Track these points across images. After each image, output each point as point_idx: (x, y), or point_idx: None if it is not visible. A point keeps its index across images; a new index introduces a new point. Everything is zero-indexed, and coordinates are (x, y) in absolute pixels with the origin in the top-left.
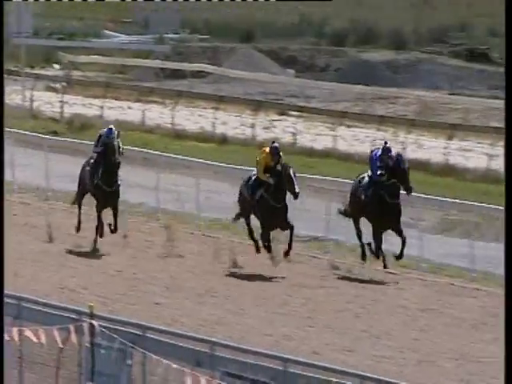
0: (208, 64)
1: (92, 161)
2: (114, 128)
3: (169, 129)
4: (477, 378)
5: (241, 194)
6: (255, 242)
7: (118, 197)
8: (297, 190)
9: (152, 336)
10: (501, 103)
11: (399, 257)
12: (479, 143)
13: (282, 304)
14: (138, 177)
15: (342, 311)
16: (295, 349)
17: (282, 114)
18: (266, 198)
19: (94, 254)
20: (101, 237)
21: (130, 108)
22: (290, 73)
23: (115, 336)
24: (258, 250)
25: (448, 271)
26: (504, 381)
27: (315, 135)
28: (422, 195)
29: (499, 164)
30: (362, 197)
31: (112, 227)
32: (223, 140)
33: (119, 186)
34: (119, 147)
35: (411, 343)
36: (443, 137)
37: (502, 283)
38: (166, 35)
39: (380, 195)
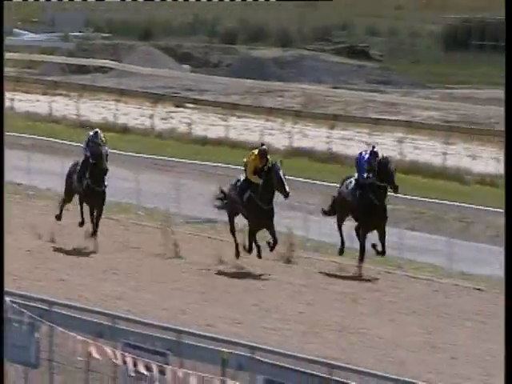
0: (110, 60)
1: (79, 166)
2: (100, 133)
3: (74, 119)
4: (357, 347)
5: (228, 195)
6: (236, 244)
7: (104, 199)
8: (287, 190)
9: (58, 310)
10: (378, 96)
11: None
12: (358, 132)
13: (178, 280)
14: (46, 164)
15: (234, 286)
16: (190, 321)
17: (179, 106)
18: (254, 199)
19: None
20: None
21: (38, 100)
22: (186, 68)
23: (24, 311)
24: (237, 250)
25: (331, 250)
26: (504, 381)
27: (209, 125)
28: (308, 180)
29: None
30: (349, 198)
31: (93, 228)
32: (124, 130)
33: (106, 187)
34: (107, 155)
35: (298, 316)
36: (326, 127)
37: (380, 259)
38: (71, 33)
39: (368, 198)
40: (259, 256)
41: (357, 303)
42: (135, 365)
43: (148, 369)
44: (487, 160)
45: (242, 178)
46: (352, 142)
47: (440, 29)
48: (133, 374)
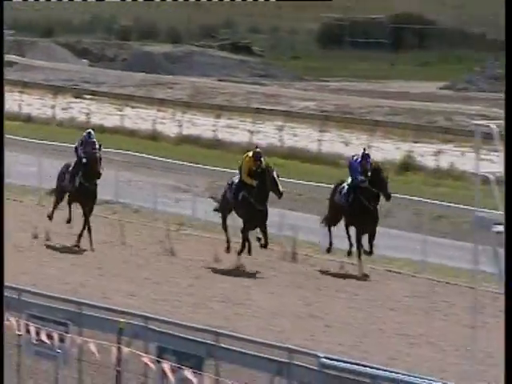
0: (14, 55)
1: (72, 166)
2: (94, 136)
3: None
4: (241, 317)
5: (223, 195)
6: (228, 241)
7: (95, 197)
8: (280, 190)
9: None
10: (260, 88)
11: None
12: (242, 121)
13: (77, 257)
14: None
15: (127, 262)
16: (89, 294)
17: (78, 97)
18: (249, 200)
19: None
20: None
21: None
22: (85, 62)
23: None
24: (228, 249)
25: (216, 228)
26: (504, 381)
27: (106, 115)
28: (194, 165)
29: (259, 138)
30: (342, 202)
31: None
32: (28, 119)
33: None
34: (100, 159)
35: (187, 289)
36: (212, 116)
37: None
38: None
39: (360, 200)
40: (249, 253)
41: (242, 276)
42: (38, 334)
43: (50, 337)
44: (358, 146)
45: (236, 179)
46: (236, 130)
47: (316, 27)
48: (35, 342)
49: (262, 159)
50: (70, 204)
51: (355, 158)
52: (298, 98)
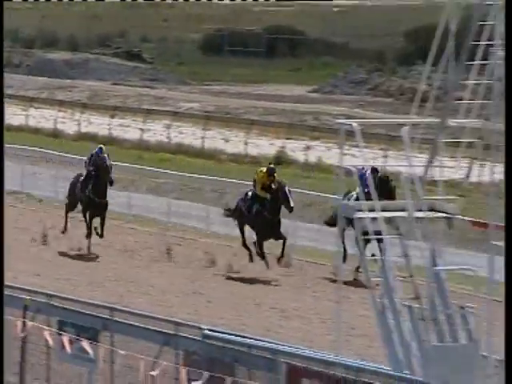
0: None
1: (82, 178)
2: (104, 148)
3: None
4: (130, 294)
5: (237, 208)
6: (249, 251)
7: (106, 208)
8: (292, 205)
9: None
10: (150, 91)
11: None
12: (134, 120)
13: None
14: None
15: (32, 246)
16: None
17: None
18: (262, 212)
19: None
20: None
21: None
22: None
23: None
24: (251, 258)
25: (111, 215)
26: (504, 380)
27: (12, 114)
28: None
29: (149, 136)
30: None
31: (99, 232)
32: None
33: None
34: (111, 167)
35: (84, 269)
36: (107, 116)
37: (154, 224)
38: None
39: None
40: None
41: (133, 258)
42: None
43: None
44: (237, 142)
45: (250, 193)
46: (129, 128)
47: (200, 37)
48: None
49: (275, 174)
50: (84, 214)
51: (364, 171)
52: (183, 99)
